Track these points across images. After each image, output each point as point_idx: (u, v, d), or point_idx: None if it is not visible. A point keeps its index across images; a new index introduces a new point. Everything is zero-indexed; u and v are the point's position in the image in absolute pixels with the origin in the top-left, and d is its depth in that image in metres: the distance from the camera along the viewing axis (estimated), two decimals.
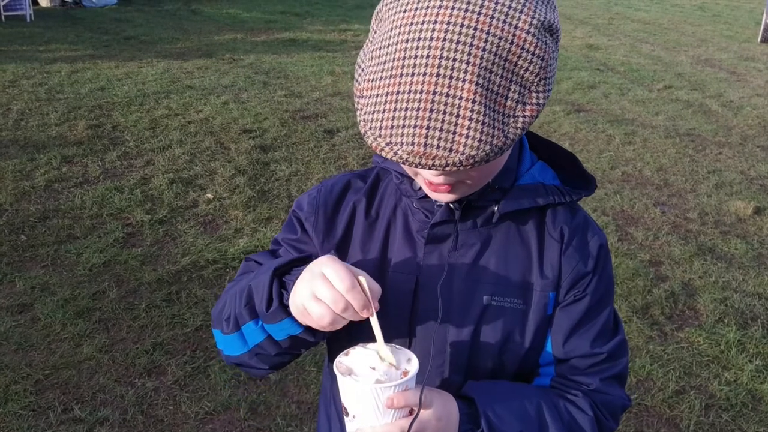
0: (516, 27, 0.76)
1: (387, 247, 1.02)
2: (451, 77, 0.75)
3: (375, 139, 0.80)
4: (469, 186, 0.90)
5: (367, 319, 0.85)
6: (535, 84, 0.79)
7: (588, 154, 5.52)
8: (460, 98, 0.75)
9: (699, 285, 3.60)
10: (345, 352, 0.90)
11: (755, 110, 7.00)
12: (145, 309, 3.19)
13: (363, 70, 0.84)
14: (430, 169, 0.79)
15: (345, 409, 0.87)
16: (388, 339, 0.90)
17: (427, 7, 0.77)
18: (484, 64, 0.75)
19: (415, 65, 0.76)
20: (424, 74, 0.75)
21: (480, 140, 0.76)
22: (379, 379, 0.84)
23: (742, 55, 9.93)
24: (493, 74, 0.76)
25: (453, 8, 0.75)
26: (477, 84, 0.75)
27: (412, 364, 0.87)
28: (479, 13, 0.75)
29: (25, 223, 3.96)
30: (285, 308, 0.88)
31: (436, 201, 0.98)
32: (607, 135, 5.99)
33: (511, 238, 1.00)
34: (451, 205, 0.96)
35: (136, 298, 3.29)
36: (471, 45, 0.75)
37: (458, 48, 0.75)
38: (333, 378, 0.98)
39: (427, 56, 0.75)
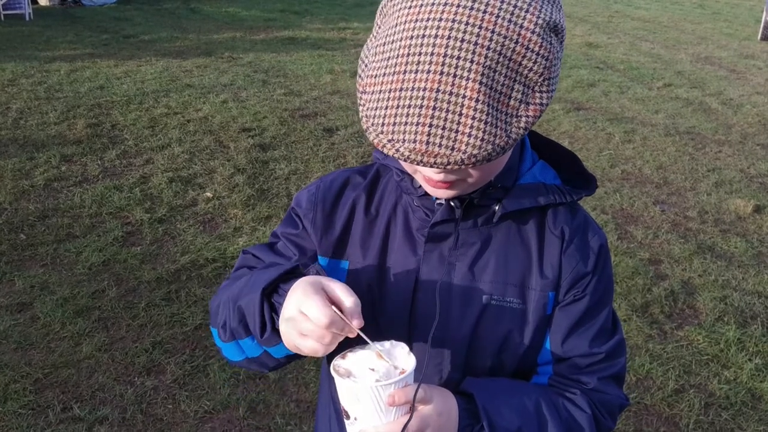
0: (521, 26, 0.75)
1: (387, 244, 1.02)
2: (455, 75, 0.74)
3: (377, 135, 0.80)
4: (469, 184, 0.90)
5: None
6: (539, 84, 0.78)
7: (587, 152, 5.52)
8: (464, 97, 0.75)
9: (699, 283, 3.60)
10: (342, 354, 0.89)
11: (755, 108, 7.00)
12: (144, 308, 3.19)
13: (366, 66, 0.84)
14: (431, 167, 0.79)
15: (345, 412, 0.87)
16: (386, 337, 0.90)
17: (433, 3, 0.76)
18: (489, 63, 0.75)
19: (419, 62, 0.76)
20: (428, 72, 0.75)
21: (482, 139, 0.76)
22: (378, 379, 0.83)
23: (742, 52, 9.92)
24: (497, 73, 0.75)
25: (458, 6, 0.75)
26: (481, 83, 0.75)
27: (410, 359, 0.87)
28: (485, 12, 0.75)
29: (24, 222, 3.96)
30: (279, 333, 0.88)
31: (436, 199, 0.97)
32: (606, 133, 5.99)
33: (511, 237, 1.00)
34: (452, 204, 0.96)
35: (136, 297, 3.28)
36: (476, 43, 0.74)
37: (463, 46, 0.74)
38: (332, 378, 0.98)
39: (431, 54, 0.75)
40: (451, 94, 0.75)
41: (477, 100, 0.75)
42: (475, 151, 0.76)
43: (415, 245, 1.00)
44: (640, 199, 4.64)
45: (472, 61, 0.74)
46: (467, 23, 0.74)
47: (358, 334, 0.84)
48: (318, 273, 0.90)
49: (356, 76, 0.86)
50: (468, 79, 0.74)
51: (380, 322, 1.01)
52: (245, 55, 8.37)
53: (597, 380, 0.99)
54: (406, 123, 0.77)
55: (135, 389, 2.69)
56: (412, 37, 0.76)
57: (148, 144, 5.23)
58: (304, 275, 0.90)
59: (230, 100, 6.42)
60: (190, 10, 11.96)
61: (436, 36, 0.75)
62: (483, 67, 0.74)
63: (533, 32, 0.76)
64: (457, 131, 0.76)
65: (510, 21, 0.75)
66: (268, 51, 8.72)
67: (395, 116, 0.77)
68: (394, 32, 0.79)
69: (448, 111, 0.75)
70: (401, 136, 0.77)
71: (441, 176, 0.86)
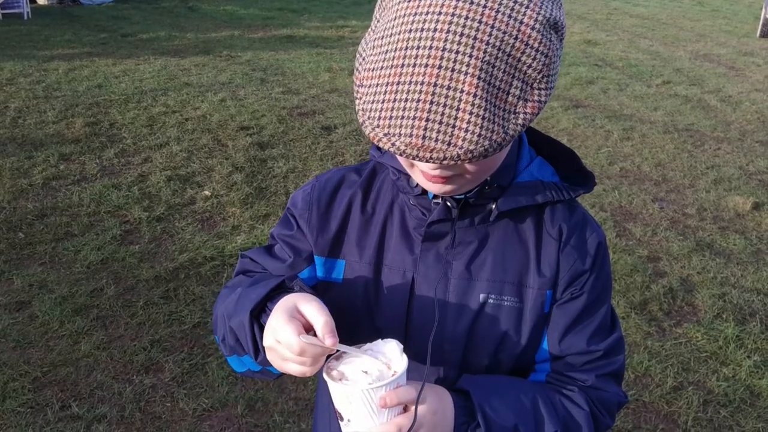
0: (521, 22, 0.75)
1: (383, 243, 1.02)
2: (453, 70, 0.74)
3: (373, 129, 0.79)
4: (466, 180, 0.89)
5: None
6: (538, 81, 0.78)
7: (586, 149, 5.51)
8: (461, 92, 0.74)
9: (697, 281, 3.60)
10: (335, 355, 0.89)
11: (754, 105, 7.00)
12: (142, 306, 3.19)
13: (364, 59, 0.83)
14: (427, 161, 0.78)
15: (339, 414, 0.87)
16: (383, 336, 0.90)
17: None
18: (487, 58, 0.74)
19: (417, 56, 0.75)
20: (426, 66, 0.74)
21: (479, 135, 0.75)
22: (371, 382, 0.83)
23: (741, 50, 9.92)
24: (495, 69, 0.75)
25: (458, 0, 0.74)
26: (479, 78, 0.74)
27: (402, 359, 0.86)
28: (485, 6, 0.74)
29: (22, 221, 3.95)
30: None
31: (433, 198, 0.97)
32: (605, 130, 5.98)
33: (508, 235, 0.99)
34: (449, 203, 0.95)
35: (134, 296, 3.28)
36: (474, 38, 0.73)
37: (461, 41, 0.74)
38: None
39: (430, 48, 0.74)
40: (448, 88, 0.74)
41: (475, 95, 0.74)
42: (472, 147, 0.76)
43: (411, 244, 1.00)
44: (638, 196, 4.64)
45: (470, 56, 0.74)
46: (467, 17, 0.74)
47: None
48: (301, 289, 0.90)
49: (354, 71, 0.86)
50: (466, 73, 0.74)
51: (377, 320, 1.01)
52: (243, 54, 8.36)
53: (595, 377, 0.99)
54: (402, 117, 0.76)
55: (133, 387, 2.69)
56: (410, 31, 0.76)
57: (147, 143, 5.22)
58: (290, 289, 0.90)
59: (228, 98, 6.41)
60: (188, 8, 11.94)
61: (434, 30, 0.74)
62: (481, 62, 0.74)
63: (533, 28, 0.75)
64: (453, 126, 0.75)
65: (510, 17, 0.74)
66: (267, 49, 8.71)
67: (392, 110, 0.77)
68: (393, 26, 0.78)
69: (445, 105, 0.74)
70: (397, 130, 0.77)
71: (437, 171, 0.86)
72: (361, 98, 0.82)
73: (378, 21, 0.83)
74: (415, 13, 0.76)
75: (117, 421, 2.53)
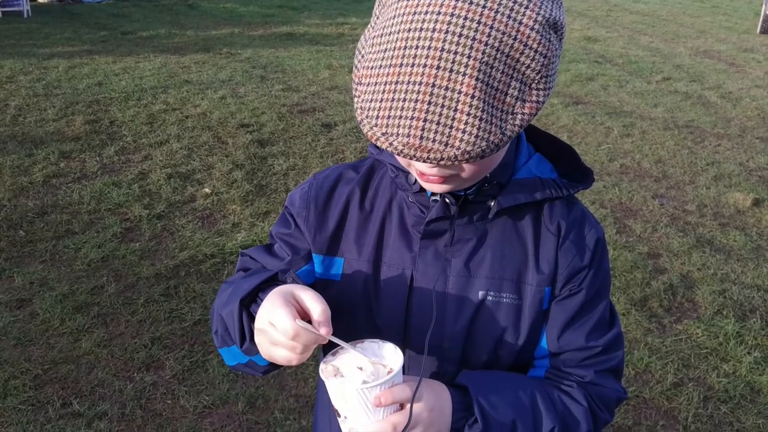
0: (520, 23, 0.75)
1: (382, 240, 1.02)
2: (451, 70, 0.74)
3: (371, 128, 0.79)
4: (464, 179, 0.89)
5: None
6: (536, 81, 0.78)
7: (586, 146, 5.51)
8: (459, 92, 0.74)
9: (697, 277, 3.60)
10: (333, 351, 0.89)
11: (754, 101, 6.99)
12: (143, 304, 3.19)
13: (363, 57, 0.83)
14: (424, 162, 0.78)
15: (336, 410, 0.87)
16: (382, 334, 0.90)
17: None
18: (486, 59, 0.74)
19: (415, 56, 0.75)
20: (424, 66, 0.74)
21: (477, 136, 0.75)
22: (366, 379, 0.83)
23: (741, 46, 9.90)
24: (494, 69, 0.75)
25: (458, 0, 0.74)
26: (477, 79, 0.74)
27: (397, 357, 0.86)
28: (484, 7, 0.74)
29: (23, 219, 3.96)
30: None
31: (431, 195, 0.97)
32: (605, 127, 5.98)
33: (507, 233, 0.99)
34: (447, 201, 0.95)
35: (135, 293, 3.29)
36: (473, 39, 0.73)
37: (460, 41, 0.73)
38: None
39: (429, 48, 0.74)
40: (446, 89, 0.74)
41: (473, 96, 0.74)
42: (469, 148, 0.76)
43: (410, 241, 1.00)
44: (638, 192, 4.64)
45: (469, 57, 0.73)
46: (465, 18, 0.74)
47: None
48: (294, 281, 0.90)
49: (353, 68, 0.86)
50: (464, 74, 0.74)
51: (376, 318, 1.01)
52: (243, 51, 8.35)
53: (594, 373, 0.99)
54: (400, 117, 0.76)
55: (134, 385, 2.69)
56: (409, 30, 0.76)
57: (147, 140, 5.22)
58: (283, 283, 0.90)
59: (228, 95, 6.41)
60: (188, 6, 11.93)
61: (433, 30, 0.74)
62: (480, 63, 0.74)
63: (532, 29, 0.75)
64: (451, 127, 0.75)
65: (509, 17, 0.74)
66: (267, 47, 8.70)
67: (390, 109, 0.77)
68: (392, 23, 0.78)
69: (443, 106, 0.74)
70: (395, 130, 0.77)
71: (435, 171, 0.86)
72: (359, 96, 0.82)
73: (377, 18, 0.83)
74: (415, 12, 0.76)
75: (118, 418, 2.53)
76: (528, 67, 0.76)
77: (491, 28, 0.74)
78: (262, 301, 0.87)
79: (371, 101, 0.79)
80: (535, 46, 0.76)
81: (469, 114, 0.75)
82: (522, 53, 0.75)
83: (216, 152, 5.05)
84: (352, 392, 0.82)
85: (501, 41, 0.74)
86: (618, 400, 1.02)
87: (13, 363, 2.79)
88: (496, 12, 0.74)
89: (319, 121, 5.82)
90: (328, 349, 0.93)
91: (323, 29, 10.06)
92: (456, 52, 0.73)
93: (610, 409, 1.01)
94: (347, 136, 5.48)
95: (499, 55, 0.74)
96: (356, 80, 0.83)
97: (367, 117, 0.80)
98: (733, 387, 2.79)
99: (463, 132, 0.75)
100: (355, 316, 1.02)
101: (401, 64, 0.76)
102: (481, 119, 0.75)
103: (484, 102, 0.75)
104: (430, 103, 0.75)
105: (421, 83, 0.75)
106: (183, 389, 2.68)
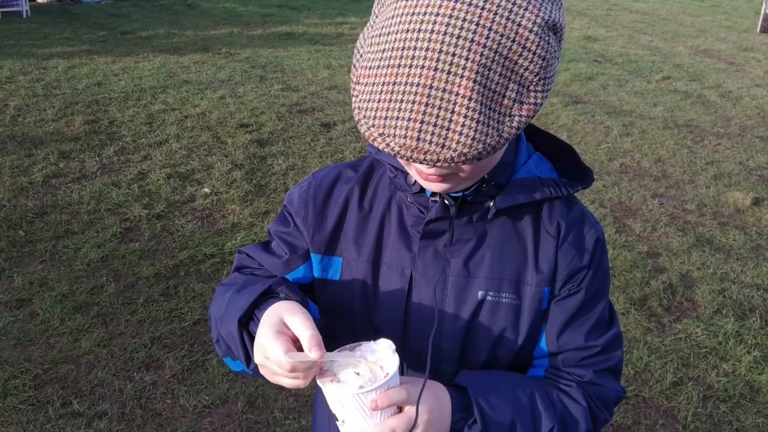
0: (519, 24, 0.74)
1: (381, 240, 1.02)
2: (449, 72, 0.73)
3: (368, 128, 0.79)
4: (462, 179, 0.89)
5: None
6: (534, 83, 0.77)
7: (586, 145, 5.51)
8: (457, 94, 0.74)
9: (697, 276, 3.60)
10: (328, 355, 0.89)
11: (754, 101, 6.99)
12: (143, 303, 3.19)
13: (361, 56, 0.83)
14: (421, 163, 0.78)
15: (334, 415, 0.87)
16: (381, 333, 0.90)
17: None
18: (484, 61, 0.74)
19: (413, 57, 0.75)
20: (422, 67, 0.74)
21: (473, 138, 0.75)
22: (363, 384, 0.83)
23: (741, 45, 9.90)
24: (492, 72, 0.74)
25: (457, 1, 0.74)
26: (475, 81, 0.74)
27: (394, 360, 0.86)
28: (482, 8, 0.74)
29: (23, 219, 3.95)
30: None
31: (431, 196, 0.97)
32: (605, 126, 5.98)
33: (506, 233, 0.99)
34: (446, 201, 0.95)
35: (134, 293, 3.29)
36: (472, 41, 0.73)
37: (458, 43, 0.73)
38: None
39: (427, 49, 0.74)
40: (444, 90, 0.74)
41: (470, 98, 0.74)
42: (466, 150, 0.76)
43: (410, 241, 1.00)
44: (638, 192, 4.64)
45: (467, 59, 0.73)
46: (464, 19, 0.73)
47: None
48: (287, 296, 0.91)
49: (351, 67, 0.86)
50: (462, 76, 0.73)
51: (375, 318, 1.01)
52: (242, 51, 8.35)
53: (593, 373, 0.99)
54: (397, 118, 0.76)
55: (134, 384, 2.70)
56: (408, 31, 0.75)
57: (146, 140, 5.22)
58: (276, 296, 0.91)
59: (228, 95, 6.41)
60: (187, 6, 11.92)
61: (432, 31, 0.74)
62: (478, 65, 0.73)
63: (531, 31, 0.75)
64: (448, 129, 0.75)
65: (508, 19, 0.74)
66: (266, 46, 8.70)
67: (387, 110, 0.77)
68: (391, 23, 0.78)
69: (440, 108, 0.74)
70: (392, 131, 0.77)
71: (433, 171, 0.86)
72: (357, 96, 0.82)
73: (376, 17, 0.83)
74: (413, 12, 0.76)
75: (118, 418, 2.53)
76: (526, 69, 0.76)
77: (489, 29, 0.73)
78: (259, 319, 0.88)
79: (369, 101, 0.79)
80: (533, 48, 0.75)
81: (466, 116, 0.74)
82: (520, 55, 0.75)
83: (215, 152, 5.05)
84: (349, 397, 0.82)
85: (499, 43, 0.74)
86: (617, 399, 1.02)
87: (13, 363, 2.79)
88: (495, 14, 0.74)
89: (318, 120, 5.81)
90: (326, 347, 0.93)
91: (322, 29, 10.06)
92: (454, 54, 0.73)
93: (609, 408, 1.01)
94: (346, 136, 5.47)
95: (497, 57, 0.74)
96: (354, 79, 0.83)
97: (364, 117, 0.80)
98: (732, 386, 2.80)
99: (460, 134, 0.75)
100: (353, 316, 1.02)
101: (399, 65, 0.76)
102: (478, 121, 0.75)
103: (481, 104, 0.75)
104: (427, 105, 0.74)
105: (418, 84, 0.74)
106: (183, 389, 2.68)
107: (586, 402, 0.97)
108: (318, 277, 1.05)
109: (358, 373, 0.84)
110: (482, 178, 0.93)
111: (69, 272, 3.44)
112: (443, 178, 0.88)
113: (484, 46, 0.73)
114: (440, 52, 0.73)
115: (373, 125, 0.78)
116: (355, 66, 0.84)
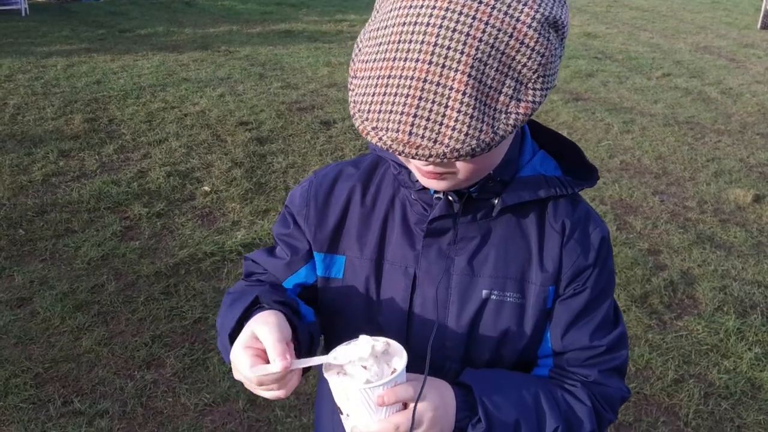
0: (517, 20, 0.73)
1: (384, 238, 1.01)
2: (443, 66, 0.72)
3: (362, 122, 0.78)
4: (460, 180, 0.88)
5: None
6: (533, 81, 0.76)
7: (586, 143, 5.50)
8: (451, 89, 0.73)
9: (698, 273, 3.60)
10: (336, 349, 0.88)
11: (755, 97, 6.98)
12: (143, 302, 3.19)
13: (360, 50, 0.82)
14: (413, 158, 0.77)
15: (339, 408, 0.87)
16: (384, 332, 0.89)
17: None
18: (479, 55, 0.72)
19: (408, 50, 0.74)
20: (417, 60, 0.73)
21: (466, 134, 0.74)
22: (369, 378, 0.82)
23: (742, 41, 9.89)
24: (487, 67, 0.73)
25: None
26: (469, 75, 0.72)
27: (401, 357, 0.86)
28: (480, 2, 0.73)
29: (23, 218, 3.95)
30: None
31: (434, 193, 0.96)
32: (605, 123, 5.97)
33: (511, 231, 0.98)
34: (450, 198, 0.94)
35: (135, 291, 3.28)
36: (467, 34, 0.72)
37: (454, 36, 0.72)
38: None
39: (422, 42, 0.73)
40: (438, 84, 0.73)
41: (464, 93, 0.73)
42: (458, 146, 0.74)
43: (413, 239, 0.99)
44: (639, 189, 4.64)
45: (462, 53, 0.72)
46: (461, 13, 0.72)
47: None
48: (270, 306, 0.91)
49: (350, 61, 0.85)
50: (456, 70, 0.72)
51: (378, 317, 1.00)
52: (242, 49, 8.34)
53: (598, 373, 0.98)
54: (390, 111, 0.75)
55: (135, 383, 2.69)
56: (404, 24, 0.75)
57: (146, 138, 5.21)
58: (261, 308, 0.92)
59: (227, 93, 6.40)
60: (185, 3, 11.90)
61: (427, 24, 0.73)
62: (473, 59, 0.72)
63: (529, 26, 0.73)
64: (441, 123, 0.74)
65: (506, 13, 0.73)
66: (265, 44, 8.69)
67: (381, 104, 0.76)
68: (389, 17, 0.77)
69: (433, 102, 0.73)
70: (385, 125, 0.76)
71: (429, 167, 0.85)
72: (353, 90, 0.81)
73: (377, 12, 0.82)
74: (411, 6, 0.75)
75: (119, 416, 2.53)
76: (524, 65, 0.74)
77: (486, 24, 0.72)
78: None
79: (364, 95, 0.78)
80: (532, 44, 0.74)
81: (459, 111, 0.73)
82: (518, 51, 0.74)
83: (215, 150, 5.04)
84: (355, 391, 0.82)
85: (496, 38, 0.73)
86: (622, 399, 1.02)
87: (14, 361, 2.78)
88: (493, 8, 0.73)
89: (318, 118, 5.81)
90: (330, 346, 0.93)
91: (321, 26, 10.04)
92: (449, 48, 0.72)
93: (614, 408, 1.01)
94: (346, 134, 5.47)
95: (493, 52, 0.73)
96: (352, 73, 0.82)
97: (359, 111, 0.79)
98: (733, 383, 2.79)
99: (453, 129, 0.74)
100: (356, 315, 1.01)
101: (394, 58, 0.75)
102: (471, 117, 0.73)
103: (475, 99, 0.73)
104: (420, 98, 0.73)
105: (412, 78, 0.73)
106: (184, 387, 2.68)
107: (590, 402, 0.97)
108: (321, 275, 1.04)
109: (365, 368, 0.84)
110: (487, 175, 0.92)
111: (69, 271, 3.44)
112: (441, 176, 0.87)
113: (480, 40, 0.72)
114: (435, 45, 0.72)
115: (367, 119, 0.77)
116: (353, 60, 0.83)
